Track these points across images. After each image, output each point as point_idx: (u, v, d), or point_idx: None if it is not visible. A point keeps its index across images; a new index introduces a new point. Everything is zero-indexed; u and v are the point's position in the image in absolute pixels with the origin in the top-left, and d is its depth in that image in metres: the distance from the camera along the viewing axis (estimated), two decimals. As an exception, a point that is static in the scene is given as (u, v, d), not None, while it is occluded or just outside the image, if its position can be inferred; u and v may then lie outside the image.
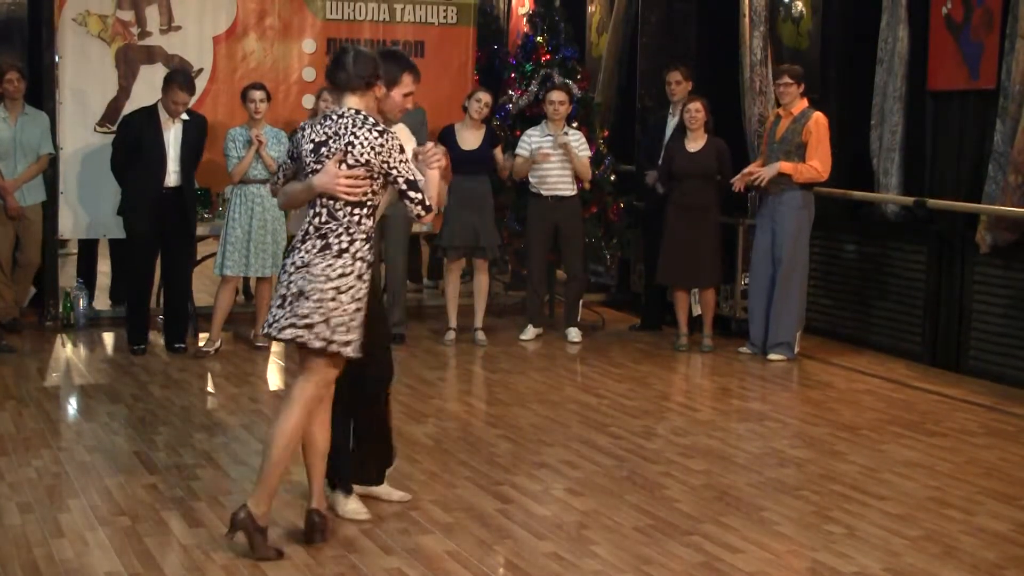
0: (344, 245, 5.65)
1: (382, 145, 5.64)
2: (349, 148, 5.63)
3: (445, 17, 12.17)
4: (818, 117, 9.96)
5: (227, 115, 11.22)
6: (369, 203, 5.72)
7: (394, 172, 5.68)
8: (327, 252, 5.63)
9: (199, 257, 11.40)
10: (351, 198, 5.65)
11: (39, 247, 10.67)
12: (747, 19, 11.43)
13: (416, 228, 11.21)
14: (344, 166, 5.64)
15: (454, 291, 10.86)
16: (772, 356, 10.11)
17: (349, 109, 5.73)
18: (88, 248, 11.75)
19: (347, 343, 5.66)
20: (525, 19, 13.07)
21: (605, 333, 11.42)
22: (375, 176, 5.67)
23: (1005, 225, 9.15)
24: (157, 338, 10.27)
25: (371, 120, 5.69)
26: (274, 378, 9.59)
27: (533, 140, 10.60)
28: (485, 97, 10.56)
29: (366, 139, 5.63)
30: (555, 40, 12.01)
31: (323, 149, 5.69)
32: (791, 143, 9.94)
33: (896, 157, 10.17)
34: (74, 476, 6.81)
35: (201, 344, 10.17)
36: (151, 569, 5.50)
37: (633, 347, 10.73)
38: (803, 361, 10.16)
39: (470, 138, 10.54)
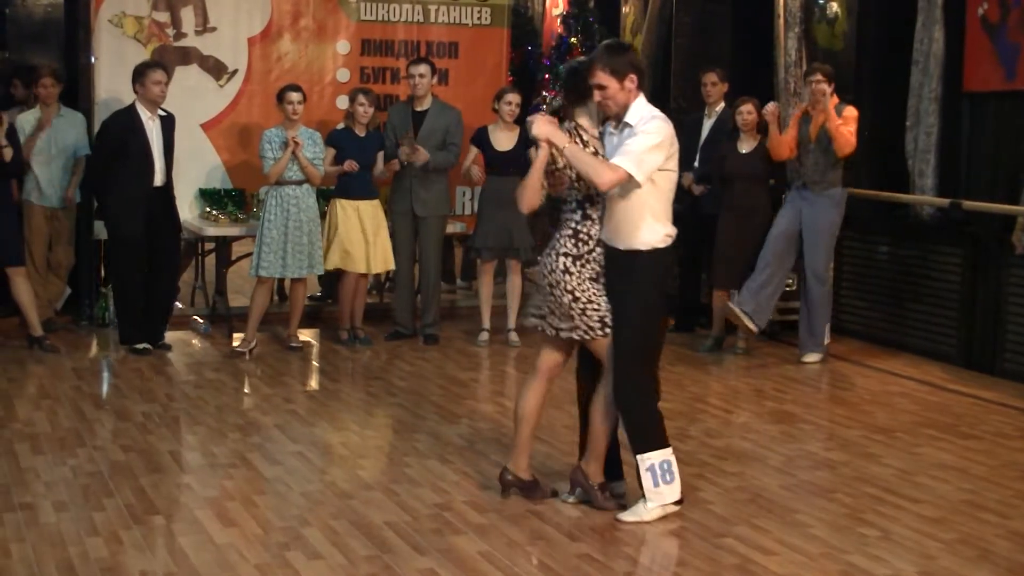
0: (553, 242, 6.36)
1: None
2: None
3: (479, 18, 12.18)
4: (851, 108, 9.89)
5: (262, 116, 11.26)
6: (569, 199, 6.31)
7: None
8: (546, 250, 6.39)
9: (234, 257, 11.45)
10: (554, 194, 6.42)
11: (71, 248, 10.74)
12: (782, 20, 11.40)
13: (450, 229, 11.22)
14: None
15: (487, 292, 10.84)
16: (806, 358, 10.08)
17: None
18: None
19: (572, 329, 6.28)
20: (559, 20, 13.10)
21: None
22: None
23: (1041, 227, 9.12)
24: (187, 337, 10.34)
25: (565, 128, 6.32)
26: (308, 379, 9.61)
27: (567, 141, 10.56)
28: (514, 97, 10.55)
29: None
30: (589, 41, 12.02)
31: None
32: (830, 140, 9.85)
33: (931, 158, 10.13)
34: (109, 475, 6.84)
35: (236, 345, 10.20)
36: (185, 568, 5.52)
37: (667, 348, 10.55)
38: (837, 363, 10.13)
39: (504, 139, 10.54)
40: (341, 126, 10.61)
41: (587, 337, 6.27)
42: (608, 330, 6.24)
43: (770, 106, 10.15)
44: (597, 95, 6.20)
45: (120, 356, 10.02)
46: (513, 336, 10.70)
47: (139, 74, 9.89)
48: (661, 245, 6.27)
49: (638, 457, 6.30)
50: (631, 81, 6.18)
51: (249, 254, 10.59)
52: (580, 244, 6.25)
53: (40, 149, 10.38)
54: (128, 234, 9.92)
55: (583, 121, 6.33)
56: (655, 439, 6.32)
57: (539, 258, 6.45)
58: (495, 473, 6.97)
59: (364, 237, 10.33)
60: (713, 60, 11.61)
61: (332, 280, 11.25)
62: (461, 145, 10.63)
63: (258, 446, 7.53)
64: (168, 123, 10.04)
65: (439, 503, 6.48)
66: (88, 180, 10.36)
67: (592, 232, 6.26)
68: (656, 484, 6.26)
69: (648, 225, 6.21)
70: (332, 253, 10.30)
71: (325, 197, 10.50)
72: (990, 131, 9.89)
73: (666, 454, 6.30)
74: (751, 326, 10.03)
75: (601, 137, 6.35)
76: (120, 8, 11.04)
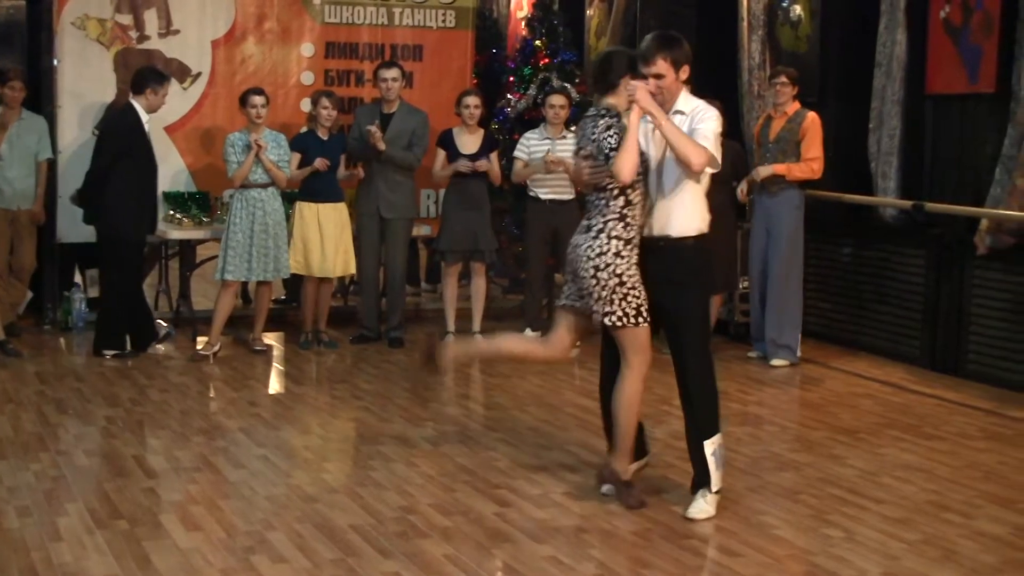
0: (599, 226, 6.33)
1: (595, 129, 6.36)
2: (585, 143, 6.43)
3: (444, 21, 12.16)
4: (813, 116, 9.99)
5: (226, 119, 11.22)
6: (611, 187, 6.28)
7: (604, 148, 6.28)
8: (588, 234, 6.36)
9: (198, 260, 11.41)
10: (594, 181, 6.35)
11: (33, 251, 10.66)
12: (746, 23, 11.44)
13: (415, 231, 11.21)
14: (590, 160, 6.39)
15: (452, 294, 10.83)
16: (775, 362, 10.09)
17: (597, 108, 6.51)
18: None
19: (608, 314, 6.31)
20: (524, 23, 13.08)
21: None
22: (604, 162, 6.29)
23: (1006, 229, 9.15)
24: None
25: (600, 113, 6.41)
26: (273, 382, 9.58)
27: (532, 144, 10.56)
28: (473, 100, 10.54)
29: (588, 132, 6.42)
30: (554, 44, 12.01)
31: (579, 148, 6.55)
32: (788, 142, 9.96)
33: (894, 161, 10.17)
34: (72, 480, 6.81)
35: (200, 348, 10.16)
36: (149, 573, 5.50)
37: (632, 351, 10.70)
38: (802, 365, 10.16)
39: (468, 142, 10.53)
40: (305, 129, 10.59)
41: (619, 324, 6.31)
42: (640, 320, 6.33)
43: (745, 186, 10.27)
44: (653, 84, 6.29)
45: (83, 360, 9.97)
46: (478, 338, 10.69)
47: (154, 80, 9.85)
48: (706, 230, 6.45)
49: (706, 443, 6.40)
50: (685, 72, 6.39)
51: (213, 257, 10.54)
52: (628, 228, 6.32)
53: (1, 153, 10.31)
54: (135, 236, 9.87)
55: (608, 102, 6.43)
56: (717, 422, 6.48)
57: (576, 241, 6.43)
58: (461, 475, 6.99)
59: (322, 241, 10.30)
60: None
61: (297, 283, 11.22)
62: (427, 147, 10.63)
63: (222, 450, 7.50)
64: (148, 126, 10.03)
65: (404, 506, 6.47)
66: (89, 180, 10.09)
67: (636, 217, 6.34)
68: (717, 468, 6.42)
69: (699, 211, 6.42)
70: (295, 256, 10.27)
71: (290, 200, 10.46)
72: (953, 134, 9.94)
73: (721, 438, 6.47)
74: (793, 359, 10.19)
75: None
76: (83, 11, 10.99)
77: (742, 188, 10.24)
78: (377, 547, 5.86)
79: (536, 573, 5.61)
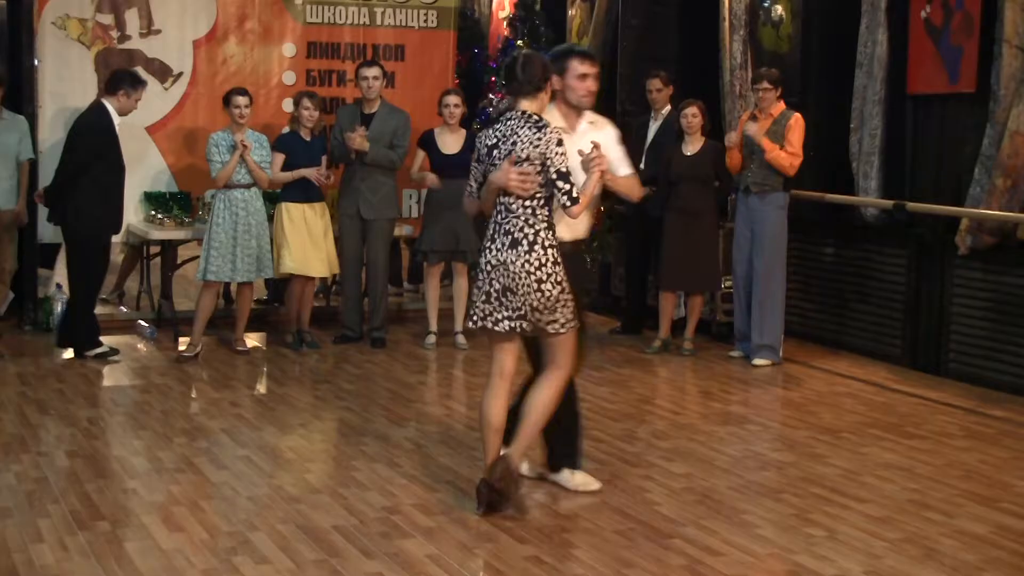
0: (531, 238, 6.21)
1: (539, 139, 6.17)
2: (513, 147, 6.20)
3: (426, 21, 12.17)
4: (798, 116, 9.98)
5: (208, 119, 11.21)
6: (539, 195, 6.23)
7: (547, 163, 6.18)
8: (519, 248, 6.21)
9: (179, 261, 11.38)
10: (524, 193, 6.21)
11: (14, 252, 10.62)
12: (727, 23, 11.44)
13: (397, 232, 11.20)
14: (524, 164, 6.19)
15: (434, 295, 10.84)
16: (758, 361, 10.10)
17: (518, 111, 6.31)
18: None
19: (563, 323, 6.30)
20: (506, 23, 13.07)
21: (586, 336, 11.39)
22: (540, 170, 6.19)
23: (986, 228, 9.18)
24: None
25: (534, 118, 6.25)
26: (255, 383, 9.56)
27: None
28: (454, 99, 10.54)
29: (526, 136, 6.20)
30: (536, 44, 11.99)
31: (495, 151, 6.30)
32: (776, 143, 9.93)
33: (876, 161, 10.19)
34: (54, 481, 6.79)
35: (182, 349, 10.14)
36: (131, 574, 5.49)
37: (614, 350, 10.73)
38: (784, 364, 10.18)
39: (450, 142, 10.53)
40: (287, 130, 10.57)
41: (563, 330, 6.31)
42: (577, 323, 6.37)
43: (752, 126, 10.14)
44: (593, 86, 6.49)
45: (64, 361, 9.94)
46: (460, 339, 10.70)
47: (128, 83, 9.79)
48: None
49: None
50: None
51: (195, 258, 10.51)
52: (554, 235, 6.32)
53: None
54: (104, 237, 9.88)
55: (528, 107, 6.35)
56: None
57: (506, 258, 6.24)
58: (443, 476, 6.98)
59: (311, 241, 10.31)
60: (659, 63, 11.63)
61: (278, 284, 11.20)
62: (408, 148, 10.61)
63: (205, 451, 7.48)
64: None
65: (387, 506, 6.46)
66: (59, 180, 10.03)
67: (554, 226, 6.34)
68: None
69: None
70: (282, 258, 10.25)
71: (271, 200, 10.45)
72: (934, 133, 9.97)
73: None
74: (775, 359, 10.20)
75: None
76: (64, 10, 10.97)
77: (733, 137, 10.25)
78: (360, 547, 5.86)
79: (519, 573, 5.61)
